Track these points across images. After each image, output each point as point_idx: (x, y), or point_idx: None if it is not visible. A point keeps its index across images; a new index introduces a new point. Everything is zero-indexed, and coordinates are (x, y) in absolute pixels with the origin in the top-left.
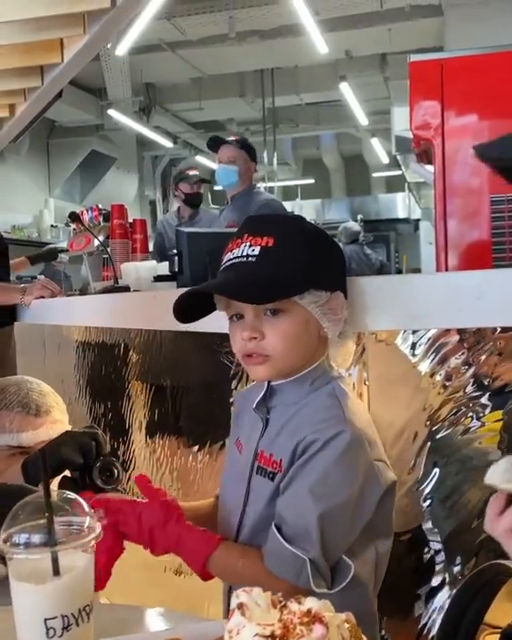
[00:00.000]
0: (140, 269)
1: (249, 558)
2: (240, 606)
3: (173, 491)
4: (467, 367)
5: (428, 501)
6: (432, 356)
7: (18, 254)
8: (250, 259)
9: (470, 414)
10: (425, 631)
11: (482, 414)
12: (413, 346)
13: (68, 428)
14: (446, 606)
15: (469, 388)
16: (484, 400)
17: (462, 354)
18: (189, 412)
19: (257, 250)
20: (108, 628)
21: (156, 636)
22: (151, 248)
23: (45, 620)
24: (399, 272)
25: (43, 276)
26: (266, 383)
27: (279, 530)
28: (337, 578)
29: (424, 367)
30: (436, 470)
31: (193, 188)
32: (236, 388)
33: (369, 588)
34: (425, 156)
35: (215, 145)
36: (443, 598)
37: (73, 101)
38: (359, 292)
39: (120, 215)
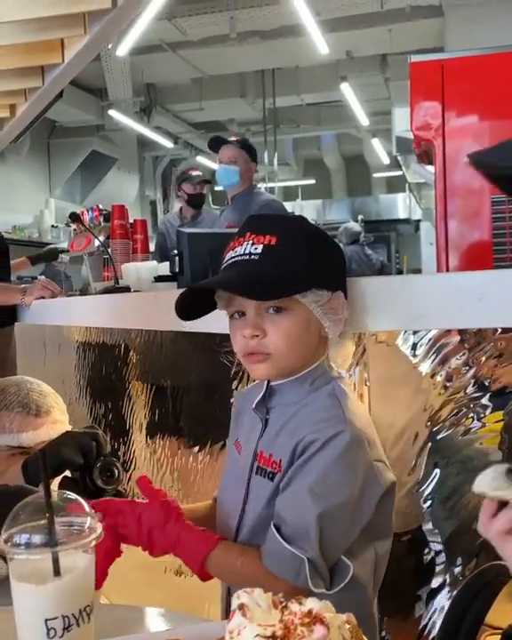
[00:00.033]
0: (140, 270)
1: (247, 558)
2: (241, 607)
3: (174, 491)
4: (467, 368)
5: (429, 502)
6: (433, 357)
7: (18, 254)
8: (253, 256)
9: (471, 415)
10: (426, 632)
11: (483, 415)
12: (414, 346)
13: (69, 428)
14: (447, 607)
15: (470, 389)
16: (484, 401)
17: (463, 354)
18: (190, 413)
19: (260, 248)
20: (108, 628)
21: (156, 637)
22: (152, 248)
23: (46, 620)
24: (400, 272)
25: (43, 277)
26: (265, 383)
27: (278, 529)
28: (336, 578)
29: (425, 368)
30: (437, 471)
31: (196, 189)
32: (236, 388)
33: (368, 589)
34: (426, 157)
35: (216, 145)
36: (443, 599)
37: (74, 102)
38: (360, 293)
39: (121, 215)
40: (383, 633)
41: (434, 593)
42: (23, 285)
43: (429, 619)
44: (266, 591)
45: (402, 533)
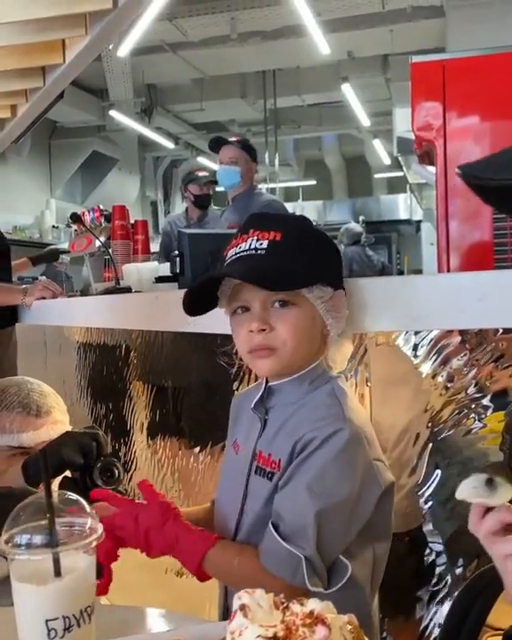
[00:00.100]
0: (141, 270)
1: (245, 557)
2: (242, 608)
3: (174, 492)
4: (468, 368)
5: (429, 503)
6: (434, 358)
7: (19, 255)
8: (259, 251)
9: (472, 416)
10: (426, 633)
11: (484, 415)
12: (415, 347)
13: (69, 428)
14: (448, 608)
15: (471, 390)
16: (485, 401)
17: (464, 355)
18: (191, 414)
19: (265, 243)
20: (109, 629)
21: (157, 638)
22: (154, 248)
23: (47, 620)
24: (401, 273)
25: (44, 277)
26: (264, 383)
27: (276, 528)
28: (333, 578)
29: (426, 368)
30: (438, 472)
31: (202, 190)
32: (237, 388)
33: (366, 590)
34: (427, 158)
35: (216, 146)
36: (444, 600)
37: (74, 102)
38: (361, 294)
39: (121, 216)
40: (384, 634)
41: (435, 594)
42: (24, 286)
43: (430, 620)
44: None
45: (402, 534)
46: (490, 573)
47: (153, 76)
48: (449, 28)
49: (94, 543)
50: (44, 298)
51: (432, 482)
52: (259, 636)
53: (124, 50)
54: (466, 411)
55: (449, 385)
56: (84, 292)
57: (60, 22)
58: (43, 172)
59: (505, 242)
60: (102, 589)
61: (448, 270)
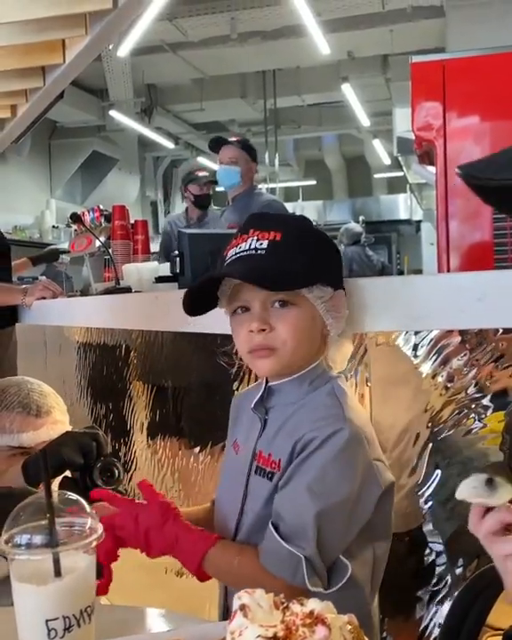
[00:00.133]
0: (141, 270)
1: (245, 557)
2: (242, 608)
3: (175, 492)
4: (468, 368)
5: (430, 503)
6: (434, 358)
7: (19, 255)
8: (259, 251)
9: (472, 416)
10: (427, 633)
11: (484, 416)
12: (415, 347)
13: (69, 428)
14: (448, 608)
15: (471, 390)
16: (485, 401)
17: (464, 355)
18: (191, 414)
19: (265, 243)
20: (109, 629)
21: (157, 638)
22: (154, 248)
23: (47, 620)
24: (401, 273)
25: (44, 277)
26: (264, 383)
27: (276, 528)
28: (333, 578)
29: (426, 368)
30: (438, 472)
31: (202, 190)
32: (237, 388)
33: (366, 590)
34: (427, 158)
35: (216, 146)
36: (444, 600)
37: (74, 102)
38: (361, 294)
39: (121, 216)
40: (384, 634)
41: (435, 594)
42: (24, 286)
43: (430, 620)
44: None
45: (402, 534)
46: (490, 573)
47: (153, 76)
48: (449, 28)
49: (94, 543)
50: (44, 298)
51: (432, 482)
52: (259, 636)
53: (124, 50)
54: (466, 411)
55: (449, 385)
56: (84, 292)
57: (60, 22)
58: (43, 172)
59: (505, 242)
60: (102, 589)
61: (448, 270)
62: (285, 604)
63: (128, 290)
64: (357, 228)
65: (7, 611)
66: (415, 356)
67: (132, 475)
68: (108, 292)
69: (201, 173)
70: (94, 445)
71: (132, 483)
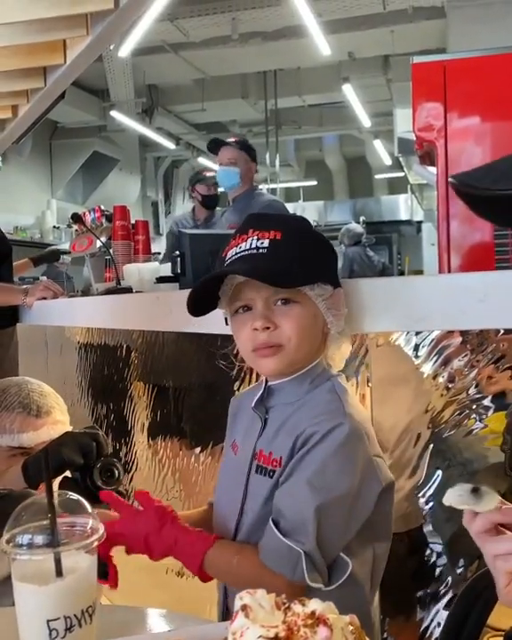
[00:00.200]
0: (142, 271)
1: (244, 555)
2: (244, 608)
3: (175, 492)
4: (469, 369)
5: (430, 504)
6: (435, 358)
7: (20, 256)
8: (260, 250)
9: (473, 416)
10: (427, 634)
11: (484, 416)
12: (416, 348)
13: (69, 428)
14: (449, 609)
15: (472, 390)
16: (486, 402)
17: (465, 356)
18: (192, 414)
19: (266, 242)
20: (110, 629)
21: (158, 638)
22: (155, 249)
23: (48, 621)
24: (401, 274)
25: (45, 278)
26: (264, 383)
27: (276, 524)
28: (334, 575)
29: (427, 369)
30: (439, 472)
31: (210, 190)
32: (238, 389)
33: (365, 590)
34: (427, 158)
35: (215, 147)
36: (445, 601)
37: (75, 102)
38: (362, 294)
39: (122, 216)
40: (385, 634)
41: (436, 595)
42: (25, 286)
43: (431, 620)
44: (263, 588)
45: (402, 534)
46: (490, 574)
47: (154, 77)
48: (450, 28)
49: (96, 543)
50: (45, 298)
51: (433, 482)
52: (260, 636)
53: (125, 50)
54: (467, 411)
55: (450, 385)
56: (85, 292)
57: (61, 23)
58: (44, 173)
59: (506, 242)
60: (113, 582)
61: (449, 271)
62: (287, 605)
63: (129, 290)
64: (358, 228)
65: (8, 611)
66: (416, 357)
67: (132, 475)
68: (108, 292)
69: (209, 173)
70: (94, 445)
71: (132, 483)
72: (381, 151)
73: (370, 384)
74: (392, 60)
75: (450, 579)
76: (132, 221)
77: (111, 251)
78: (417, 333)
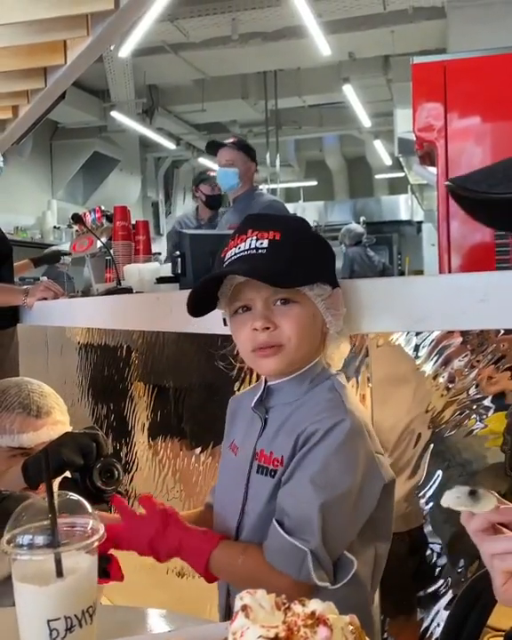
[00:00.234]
0: (142, 271)
1: (249, 555)
2: (244, 608)
3: (176, 492)
4: (470, 369)
5: (430, 504)
6: (435, 358)
7: (20, 256)
8: (260, 251)
9: (473, 416)
10: (428, 634)
11: (485, 416)
12: (416, 348)
13: (69, 429)
14: (450, 609)
15: (472, 391)
16: (486, 402)
17: (465, 356)
18: (192, 414)
19: (265, 243)
20: (110, 629)
21: (158, 638)
22: (155, 249)
23: (48, 621)
24: (402, 274)
25: (46, 278)
26: (263, 384)
27: (280, 524)
28: (339, 573)
29: (427, 369)
30: (439, 472)
31: (214, 190)
32: (238, 389)
33: (367, 588)
34: (428, 158)
35: (214, 149)
36: (446, 601)
37: (76, 103)
38: (362, 294)
39: (123, 217)
40: (385, 634)
41: (436, 595)
42: (25, 287)
43: (432, 620)
44: (268, 588)
45: (403, 534)
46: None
47: (154, 77)
48: (450, 28)
49: (96, 543)
50: (45, 298)
51: (433, 482)
52: (260, 636)
53: (126, 51)
54: (467, 411)
55: (450, 386)
56: (86, 292)
57: (61, 23)
58: (44, 173)
59: (506, 242)
60: (117, 575)
61: (449, 271)
62: (287, 605)
63: (129, 290)
64: (359, 228)
65: (9, 611)
66: (416, 357)
67: (133, 475)
68: (109, 292)
69: (212, 173)
70: (94, 446)
71: (133, 483)
72: (382, 151)
73: (370, 384)
74: (392, 60)
75: (450, 579)
76: (133, 222)
77: (111, 251)
78: (417, 334)
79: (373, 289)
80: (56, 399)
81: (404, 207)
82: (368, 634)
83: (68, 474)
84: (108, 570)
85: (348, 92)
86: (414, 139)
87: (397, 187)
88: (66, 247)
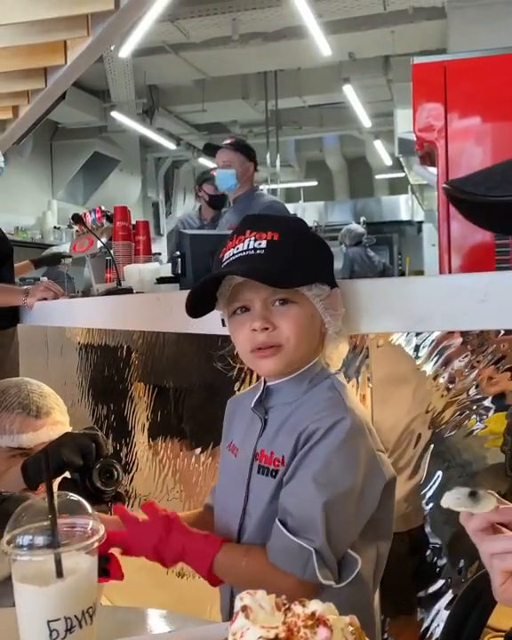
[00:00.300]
0: (142, 271)
1: (252, 557)
2: (244, 609)
3: (176, 493)
4: (470, 370)
5: (431, 504)
6: (435, 359)
7: (21, 257)
8: (258, 251)
9: (473, 417)
10: (428, 634)
11: (485, 417)
12: (417, 348)
13: (69, 429)
14: (450, 609)
15: (473, 391)
16: (487, 403)
17: (465, 356)
18: (192, 414)
19: (263, 243)
20: (110, 630)
21: (158, 639)
22: (155, 249)
23: (48, 621)
24: (402, 274)
25: (46, 278)
26: (262, 384)
27: (284, 524)
28: (343, 572)
29: (427, 369)
30: (439, 473)
31: (217, 190)
32: (238, 390)
33: (369, 588)
34: (428, 158)
35: (210, 152)
36: (446, 601)
37: (76, 103)
38: (362, 295)
39: (123, 217)
40: (385, 635)
41: (436, 595)
42: (26, 287)
43: (432, 621)
44: (273, 588)
45: (403, 534)
46: None
47: (154, 77)
48: (450, 29)
49: (96, 544)
50: (45, 299)
51: (433, 483)
52: (260, 637)
53: (126, 51)
54: (467, 412)
55: (450, 386)
56: (86, 292)
57: (62, 23)
58: (44, 173)
59: (506, 243)
60: (117, 573)
61: (449, 271)
62: (287, 606)
63: (129, 291)
64: (359, 228)
65: (9, 611)
66: (417, 358)
67: (133, 476)
68: (109, 292)
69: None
70: (93, 446)
71: (133, 483)
72: (382, 152)
73: (370, 384)
74: (392, 60)
75: (450, 579)
76: (133, 222)
77: (112, 251)
78: (417, 334)
79: (374, 289)
80: (56, 399)
81: (404, 207)
82: (369, 634)
83: (67, 474)
84: (107, 568)
85: (349, 92)
86: (414, 139)
87: (398, 187)
88: (66, 247)
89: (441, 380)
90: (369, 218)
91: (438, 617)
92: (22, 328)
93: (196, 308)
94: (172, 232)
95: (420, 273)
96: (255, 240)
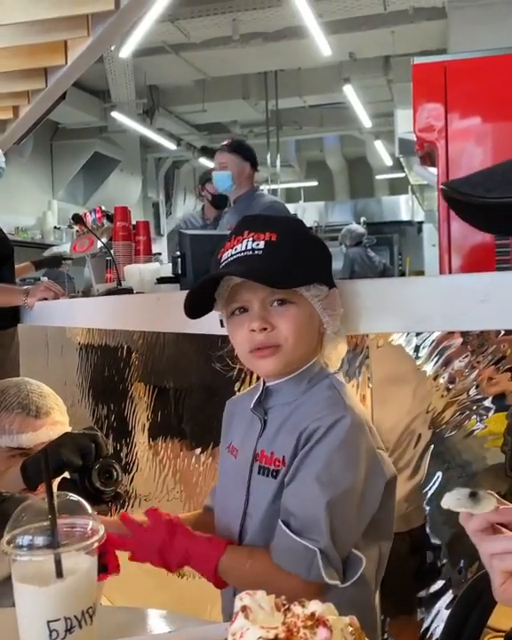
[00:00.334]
0: (143, 271)
1: (256, 558)
2: (244, 609)
3: (176, 493)
4: (470, 370)
5: (431, 504)
6: (435, 359)
7: (21, 257)
8: (256, 252)
9: (474, 417)
10: (428, 634)
11: (485, 417)
12: (417, 348)
13: (69, 429)
14: (450, 609)
15: (473, 391)
16: (487, 403)
17: (466, 356)
18: (192, 415)
19: (262, 244)
20: (110, 630)
21: (159, 639)
22: (156, 250)
23: (48, 622)
24: (402, 274)
25: (46, 278)
26: (261, 385)
27: (287, 524)
28: (348, 571)
29: (427, 370)
30: (439, 473)
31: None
32: (238, 390)
33: (372, 588)
34: (428, 159)
35: (206, 155)
36: (446, 601)
37: (76, 103)
38: (362, 295)
39: (123, 217)
40: (385, 635)
41: (436, 595)
42: (26, 287)
43: (432, 621)
44: (278, 589)
45: (404, 534)
46: None
47: (155, 78)
48: (451, 29)
49: (96, 544)
50: (46, 299)
51: (433, 483)
52: (260, 637)
53: (126, 51)
54: (467, 412)
55: (451, 386)
56: (86, 293)
57: (62, 24)
58: (45, 174)
59: (506, 243)
60: (114, 567)
61: (450, 272)
62: (286, 606)
63: (130, 291)
64: (360, 229)
65: (9, 612)
66: (417, 358)
67: (133, 476)
68: (109, 293)
69: None
70: (93, 447)
71: (133, 484)
72: (382, 152)
73: (370, 385)
74: (393, 60)
75: (450, 579)
76: (133, 222)
77: (112, 251)
78: (417, 334)
79: (374, 289)
80: (55, 399)
81: (404, 208)
82: (370, 633)
83: (66, 474)
84: (105, 563)
85: (349, 92)
86: (415, 139)
87: (398, 187)
88: (66, 247)
89: (441, 381)
90: (369, 218)
91: (438, 617)
92: (22, 328)
93: (195, 308)
94: (173, 232)
95: (421, 273)
96: (253, 241)
